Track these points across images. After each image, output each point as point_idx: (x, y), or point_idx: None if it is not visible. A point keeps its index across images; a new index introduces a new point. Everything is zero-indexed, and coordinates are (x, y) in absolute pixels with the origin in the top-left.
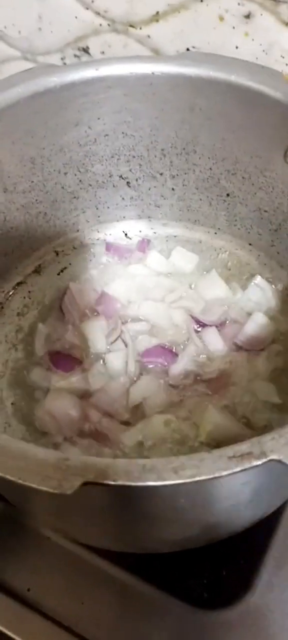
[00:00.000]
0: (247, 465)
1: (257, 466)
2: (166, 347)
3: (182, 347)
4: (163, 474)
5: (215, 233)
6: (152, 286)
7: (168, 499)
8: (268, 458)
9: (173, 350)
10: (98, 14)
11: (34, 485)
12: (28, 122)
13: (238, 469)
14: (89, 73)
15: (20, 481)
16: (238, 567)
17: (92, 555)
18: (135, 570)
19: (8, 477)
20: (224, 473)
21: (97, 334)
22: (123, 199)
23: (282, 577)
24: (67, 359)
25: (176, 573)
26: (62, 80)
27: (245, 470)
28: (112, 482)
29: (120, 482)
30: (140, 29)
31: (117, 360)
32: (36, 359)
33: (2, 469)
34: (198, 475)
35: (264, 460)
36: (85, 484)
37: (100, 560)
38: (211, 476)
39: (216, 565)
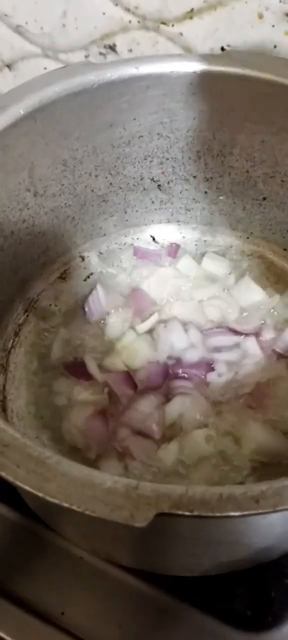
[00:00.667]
0: None
1: None
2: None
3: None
4: (243, 504)
5: (248, 237)
6: (184, 288)
7: (238, 526)
8: None
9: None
10: (128, 10)
11: (104, 517)
12: (63, 123)
13: None
14: (128, 71)
15: (87, 512)
16: (284, 587)
17: (128, 576)
18: (174, 592)
19: (75, 507)
20: None
21: (117, 321)
22: (153, 202)
23: None
24: (85, 367)
25: (219, 594)
26: (100, 78)
27: None
28: (188, 513)
29: (196, 513)
30: (173, 26)
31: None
32: (58, 367)
33: (67, 498)
34: (282, 504)
35: None
36: (158, 515)
37: (137, 581)
38: None
39: (262, 586)
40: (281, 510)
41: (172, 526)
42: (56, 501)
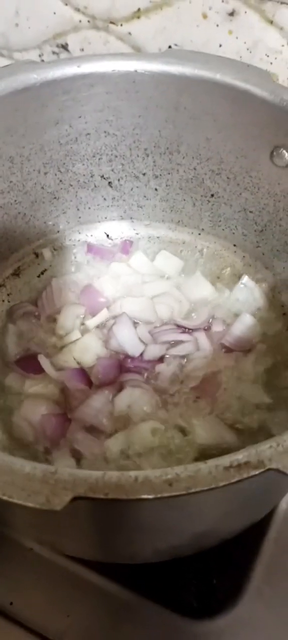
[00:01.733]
0: (245, 475)
1: (254, 476)
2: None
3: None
4: (157, 487)
5: (199, 234)
6: (136, 284)
7: (161, 510)
8: (267, 467)
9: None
10: (78, 9)
11: (20, 502)
12: (7, 120)
13: (236, 479)
14: (70, 70)
15: (5, 497)
16: (228, 575)
17: (77, 566)
18: (122, 581)
19: None
20: (221, 484)
21: (69, 317)
22: (105, 199)
23: (272, 584)
24: (36, 360)
25: (165, 583)
26: (42, 77)
27: (242, 480)
28: (103, 497)
29: (111, 496)
30: (121, 25)
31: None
32: (10, 362)
33: None
34: (194, 487)
35: (262, 469)
36: (74, 498)
37: (86, 571)
38: (207, 488)
39: (206, 574)
40: (193, 493)
41: (95, 511)
42: None
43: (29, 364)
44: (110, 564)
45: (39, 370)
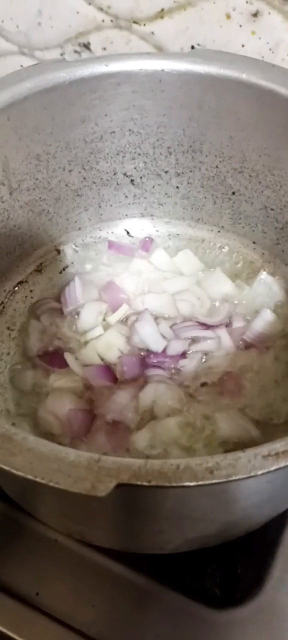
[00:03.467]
0: (282, 464)
1: None
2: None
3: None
4: (198, 474)
5: (219, 231)
6: (157, 281)
7: (197, 499)
8: None
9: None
10: (101, 9)
11: (67, 488)
12: (36, 118)
13: (274, 467)
14: (98, 69)
15: (51, 484)
16: (251, 565)
17: (102, 557)
18: (147, 571)
19: (39, 479)
20: (260, 472)
21: (91, 313)
22: (126, 197)
23: None
24: (60, 355)
25: (189, 573)
26: (71, 75)
27: (279, 469)
28: (146, 483)
29: (154, 483)
30: (144, 25)
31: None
32: (33, 357)
33: (33, 471)
34: (235, 474)
35: None
36: (118, 485)
37: (110, 562)
38: (247, 475)
39: (230, 564)
40: (234, 481)
41: (135, 499)
42: (22, 474)
43: (53, 359)
44: (135, 554)
45: (63, 365)
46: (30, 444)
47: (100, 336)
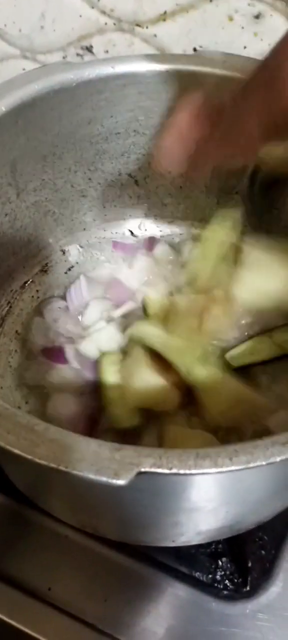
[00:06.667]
0: None
1: None
2: None
3: None
4: (218, 462)
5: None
6: (160, 277)
7: (214, 488)
8: None
9: None
10: (104, 12)
11: (91, 477)
12: (43, 119)
13: None
14: (105, 70)
15: (75, 472)
16: (261, 558)
17: (113, 551)
18: (157, 565)
19: (62, 468)
20: (279, 459)
21: (96, 311)
22: (130, 197)
23: None
24: (62, 350)
25: (200, 566)
26: (78, 77)
27: None
28: (167, 471)
29: (175, 471)
30: (147, 28)
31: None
32: (36, 353)
33: (56, 460)
34: (253, 461)
35: None
36: (140, 473)
37: (121, 556)
38: (266, 462)
39: (241, 557)
40: (252, 467)
41: (154, 488)
42: (45, 463)
43: (58, 355)
44: (147, 549)
45: (65, 360)
46: (52, 434)
47: (101, 329)
